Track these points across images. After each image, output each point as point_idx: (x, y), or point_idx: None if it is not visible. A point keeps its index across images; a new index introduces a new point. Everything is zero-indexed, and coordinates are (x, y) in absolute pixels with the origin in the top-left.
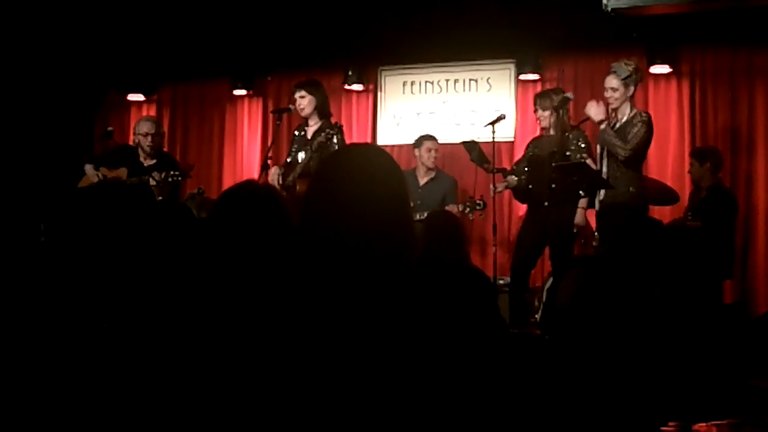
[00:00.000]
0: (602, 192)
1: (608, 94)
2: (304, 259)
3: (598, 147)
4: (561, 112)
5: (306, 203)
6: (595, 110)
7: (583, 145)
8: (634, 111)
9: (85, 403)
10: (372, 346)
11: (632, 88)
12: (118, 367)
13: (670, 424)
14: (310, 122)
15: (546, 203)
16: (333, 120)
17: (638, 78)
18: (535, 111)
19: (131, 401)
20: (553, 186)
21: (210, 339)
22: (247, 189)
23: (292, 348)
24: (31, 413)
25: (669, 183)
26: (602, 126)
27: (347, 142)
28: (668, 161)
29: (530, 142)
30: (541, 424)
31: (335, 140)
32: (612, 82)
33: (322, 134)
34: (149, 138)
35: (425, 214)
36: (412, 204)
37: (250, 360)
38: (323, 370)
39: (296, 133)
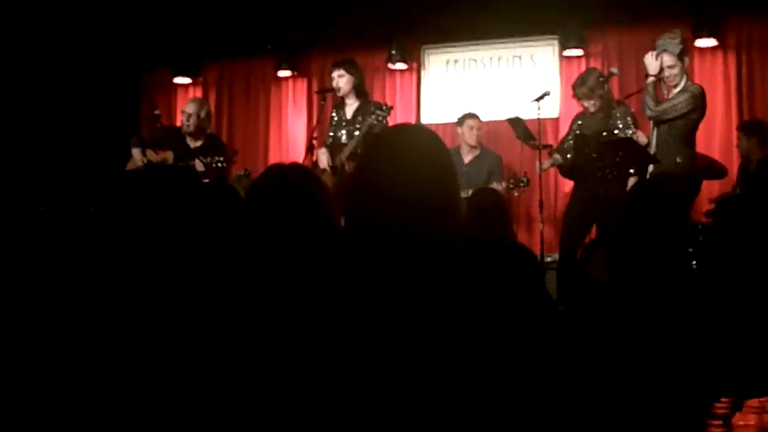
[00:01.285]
0: (651, 165)
1: (666, 73)
2: (350, 248)
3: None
4: (606, 87)
5: (352, 189)
6: (651, 62)
7: (629, 121)
8: (688, 83)
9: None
10: (420, 330)
11: (686, 60)
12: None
13: (723, 399)
14: (348, 101)
15: (593, 179)
16: (371, 99)
17: (687, 47)
18: (578, 100)
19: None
20: (600, 164)
21: (250, 325)
22: (277, 179)
23: (337, 334)
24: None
25: (716, 157)
26: (648, 80)
27: (392, 122)
28: (715, 135)
29: (575, 118)
30: (589, 400)
31: (384, 123)
32: (668, 60)
33: (372, 116)
34: (189, 118)
35: (470, 192)
36: None
37: (293, 347)
38: (367, 357)
39: (334, 113)
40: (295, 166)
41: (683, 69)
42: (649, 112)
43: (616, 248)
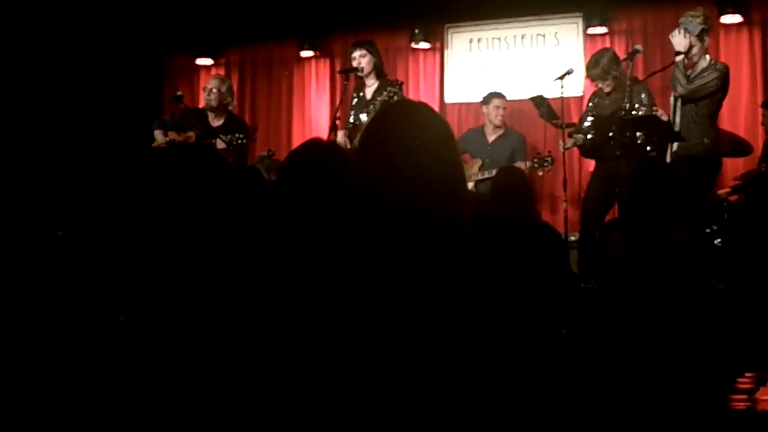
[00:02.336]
0: (675, 143)
1: (682, 49)
2: (357, 220)
3: (672, 97)
4: (631, 63)
5: (357, 163)
6: (679, 40)
7: (645, 99)
8: (711, 61)
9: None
10: (428, 305)
11: (707, 39)
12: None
13: (747, 374)
14: (368, 82)
15: (613, 158)
16: (389, 79)
17: (709, 26)
18: (592, 81)
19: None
20: (624, 141)
21: (270, 296)
22: (309, 155)
23: (349, 312)
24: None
25: (742, 134)
26: (677, 59)
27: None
28: (740, 112)
29: (591, 98)
30: (615, 376)
31: (397, 99)
32: (687, 42)
33: (384, 93)
34: (211, 94)
35: (494, 172)
36: (480, 161)
37: (307, 328)
38: (377, 333)
39: (354, 94)
40: (329, 145)
41: (703, 48)
42: (681, 90)
43: (630, 227)
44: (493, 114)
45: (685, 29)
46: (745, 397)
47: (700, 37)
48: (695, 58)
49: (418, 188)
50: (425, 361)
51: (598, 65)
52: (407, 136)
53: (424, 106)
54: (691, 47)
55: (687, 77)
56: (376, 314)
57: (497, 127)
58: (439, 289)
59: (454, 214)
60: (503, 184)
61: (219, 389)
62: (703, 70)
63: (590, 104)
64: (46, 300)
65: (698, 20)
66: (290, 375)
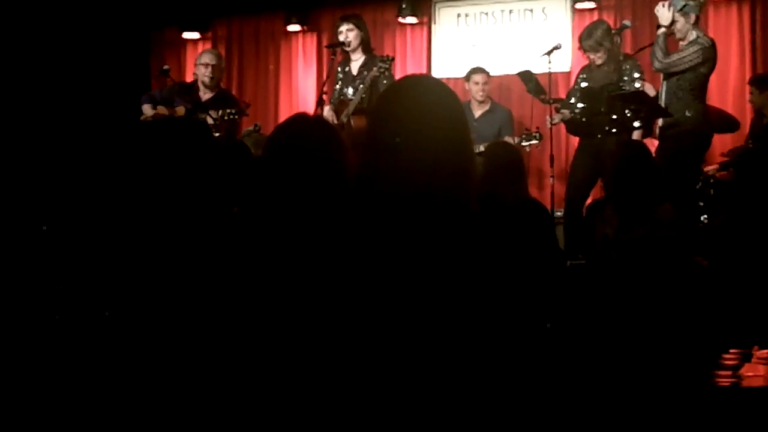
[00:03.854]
0: (661, 119)
1: (665, 22)
2: (361, 197)
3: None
4: (614, 40)
5: (366, 142)
6: (663, 13)
7: (636, 75)
8: (697, 36)
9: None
10: (431, 287)
11: (693, 16)
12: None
13: (732, 350)
14: (354, 57)
15: (600, 134)
16: (375, 54)
17: (698, 2)
18: (585, 53)
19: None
20: (613, 117)
21: (267, 277)
22: (296, 129)
23: (354, 289)
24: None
25: (730, 110)
26: (659, 32)
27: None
28: (729, 89)
29: (581, 72)
30: (602, 351)
31: (387, 74)
32: (670, 15)
33: (375, 68)
34: (209, 69)
35: (481, 147)
36: None
37: (308, 309)
38: (383, 309)
39: (340, 69)
40: (316, 119)
41: (687, 24)
42: (657, 64)
43: (616, 205)
44: (474, 89)
45: (670, 3)
46: (730, 373)
47: (684, 12)
48: (679, 34)
49: (428, 164)
50: (432, 342)
51: (591, 37)
52: (418, 111)
53: (431, 79)
54: (674, 22)
55: (665, 52)
56: (377, 295)
57: (482, 102)
58: (446, 263)
59: (463, 189)
60: (497, 158)
61: (206, 374)
62: (687, 44)
63: (579, 78)
64: (30, 296)
65: None
66: (282, 356)
